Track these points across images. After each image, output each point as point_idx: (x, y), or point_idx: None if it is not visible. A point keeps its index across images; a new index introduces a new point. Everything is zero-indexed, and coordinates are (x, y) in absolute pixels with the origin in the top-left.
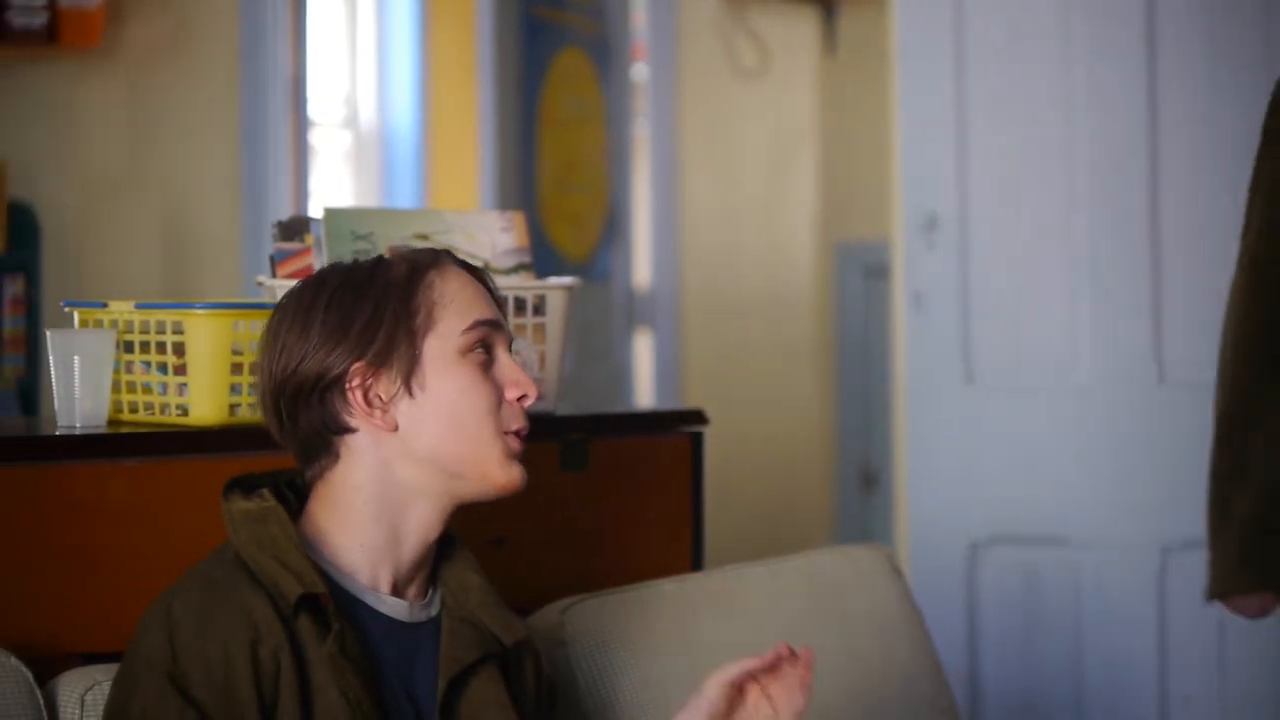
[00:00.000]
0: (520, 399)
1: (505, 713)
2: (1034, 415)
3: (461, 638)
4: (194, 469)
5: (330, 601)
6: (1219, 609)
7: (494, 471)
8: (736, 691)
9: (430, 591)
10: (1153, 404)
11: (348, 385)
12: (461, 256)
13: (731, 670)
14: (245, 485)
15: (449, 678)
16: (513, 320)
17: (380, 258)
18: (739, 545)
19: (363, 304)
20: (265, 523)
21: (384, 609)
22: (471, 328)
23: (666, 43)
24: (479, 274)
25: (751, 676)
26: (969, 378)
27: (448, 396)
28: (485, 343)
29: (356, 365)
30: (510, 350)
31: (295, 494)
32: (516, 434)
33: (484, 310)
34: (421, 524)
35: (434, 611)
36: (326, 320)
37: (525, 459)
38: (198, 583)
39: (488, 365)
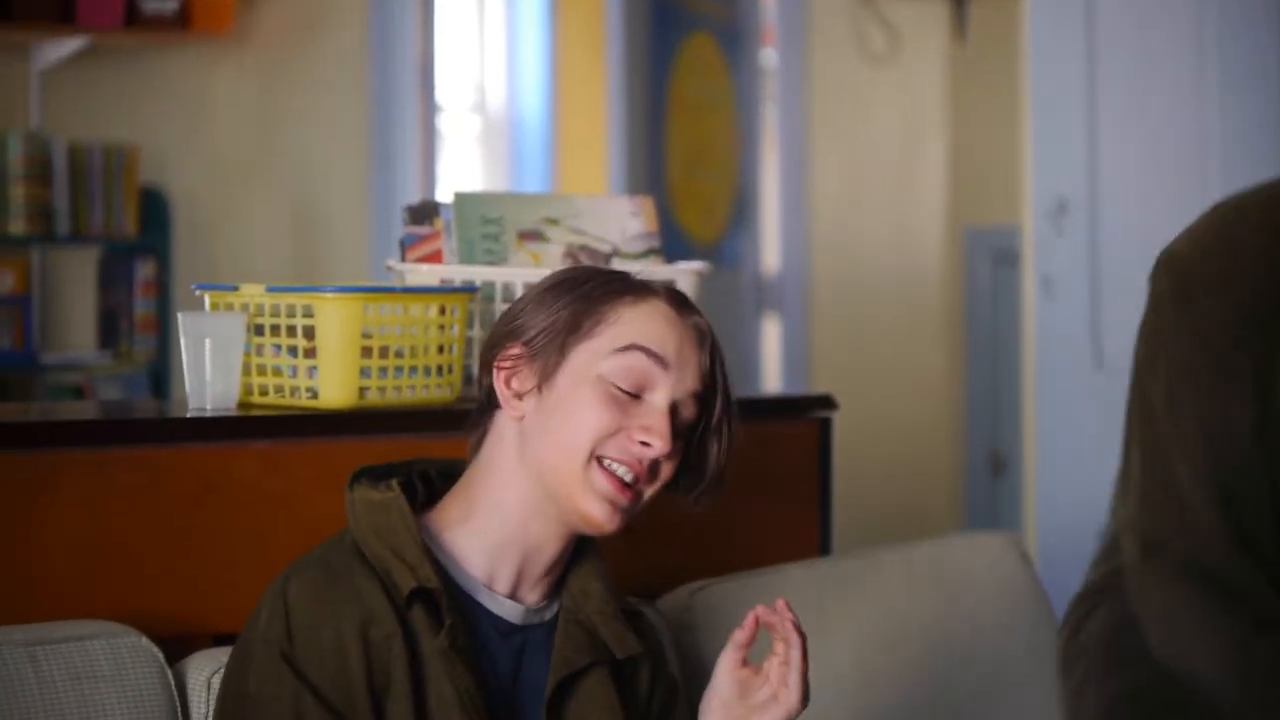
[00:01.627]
0: (643, 444)
1: (614, 715)
2: None
3: (575, 641)
4: (324, 451)
5: (444, 596)
6: None
7: (579, 501)
8: (752, 673)
9: (552, 596)
10: None
11: (497, 364)
12: (590, 242)
13: (728, 656)
14: (374, 475)
15: (558, 679)
16: None
17: (620, 272)
18: (867, 530)
19: (562, 299)
20: (386, 513)
21: (498, 609)
22: (625, 349)
23: (796, 28)
24: (690, 320)
25: (744, 649)
26: (1099, 363)
27: (564, 408)
28: (639, 379)
29: (514, 347)
30: (677, 409)
31: (428, 487)
32: (618, 471)
33: (654, 344)
34: (540, 537)
35: (549, 615)
36: (534, 300)
37: (631, 511)
38: (313, 566)
39: (628, 403)
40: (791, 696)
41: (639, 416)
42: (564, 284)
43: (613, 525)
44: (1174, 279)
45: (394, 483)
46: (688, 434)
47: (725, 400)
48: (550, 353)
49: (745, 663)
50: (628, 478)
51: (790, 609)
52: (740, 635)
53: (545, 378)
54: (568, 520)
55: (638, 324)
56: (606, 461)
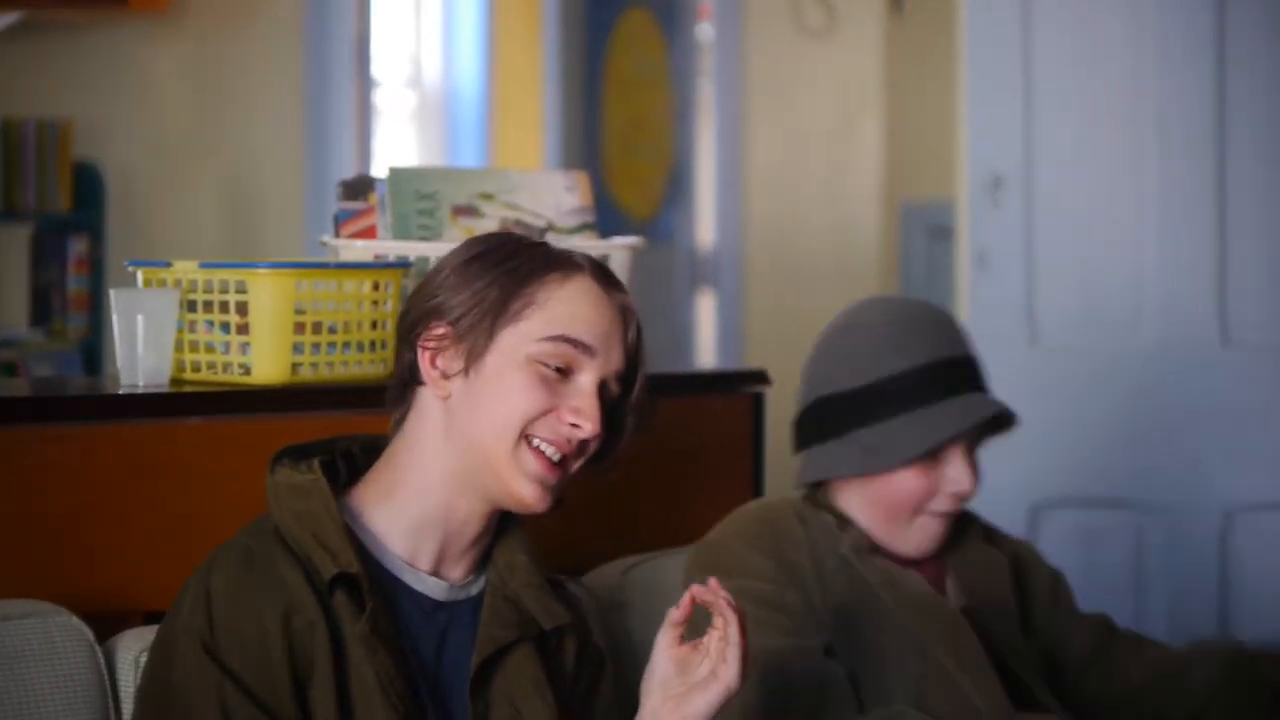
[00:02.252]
0: (572, 426)
1: (540, 690)
2: (1097, 376)
3: (501, 617)
4: (256, 428)
5: (365, 580)
6: None
7: (510, 482)
8: (690, 650)
9: (477, 572)
10: (1216, 366)
11: (422, 343)
12: (525, 216)
13: (665, 635)
14: (296, 455)
15: (483, 656)
16: None
17: (540, 244)
18: None
19: (485, 275)
20: (307, 496)
21: (421, 588)
22: (553, 338)
23: (732, 3)
24: (616, 298)
25: (680, 627)
26: (1033, 339)
27: (493, 390)
28: (565, 362)
29: (438, 326)
30: (603, 386)
31: (349, 465)
32: (548, 452)
33: (582, 331)
34: (465, 513)
35: (475, 591)
36: (454, 273)
37: (560, 488)
38: (235, 554)
39: (556, 382)
40: (730, 671)
41: (568, 397)
42: (485, 257)
43: (543, 505)
44: (714, 552)
45: (315, 463)
46: (611, 410)
47: (645, 377)
48: (478, 335)
49: (682, 640)
50: (556, 457)
51: (721, 587)
52: (676, 614)
53: (473, 359)
54: (495, 498)
55: (565, 306)
56: (536, 441)
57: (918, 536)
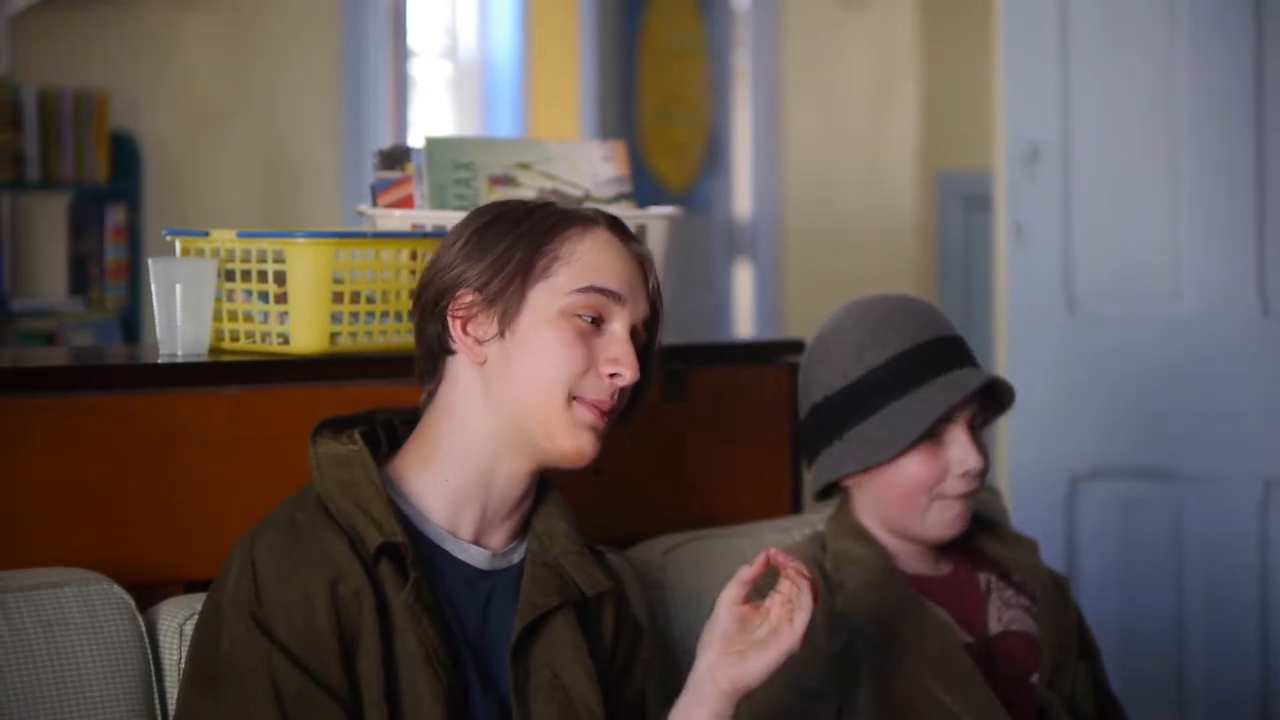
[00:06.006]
0: (612, 376)
1: (579, 656)
2: (1136, 347)
3: (542, 583)
4: (295, 397)
5: (409, 550)
6: None
7: (559, 436)
8: (752, 609)
9: (518, 540)
10: (1255, 336)
11: (451, 312)
12: (562, 186)
13: (731, 590)
14: (336, 426)
15: (525, 623)
16: None
17: (549, 203)
18: None
19: (503, 239)
20: (350, 467)
21: (463, 556)
22: (584, 290)
23: None
24: (634, 247)
25: (749, 586)
26: (1070, 309)
27: (532, 349)
28: (597, 312)
29: (466, 294)
30: (633, 334)
31: (389, 436)
32: (595, 406)
33: (609, 280)
34: (507, 474)
35: (516, 559)
36: (469, 242)
37: (606, 435)
38: (280, 525)
39: (591, 334)
40: (794, 634)
41: (603, 348)
42: (498, 222)
43: (594, 454)
44: None
45: (356, 434)
46: (641, 357)
47: (664, 323)
48: (510, 296)
49: (747, 599)
50: (605, 407)
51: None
52: (747, 571)
53: (507, 321)
54: (544, 455)
55: (590, 258)
56: (583, 398)
57: (938, 520)
